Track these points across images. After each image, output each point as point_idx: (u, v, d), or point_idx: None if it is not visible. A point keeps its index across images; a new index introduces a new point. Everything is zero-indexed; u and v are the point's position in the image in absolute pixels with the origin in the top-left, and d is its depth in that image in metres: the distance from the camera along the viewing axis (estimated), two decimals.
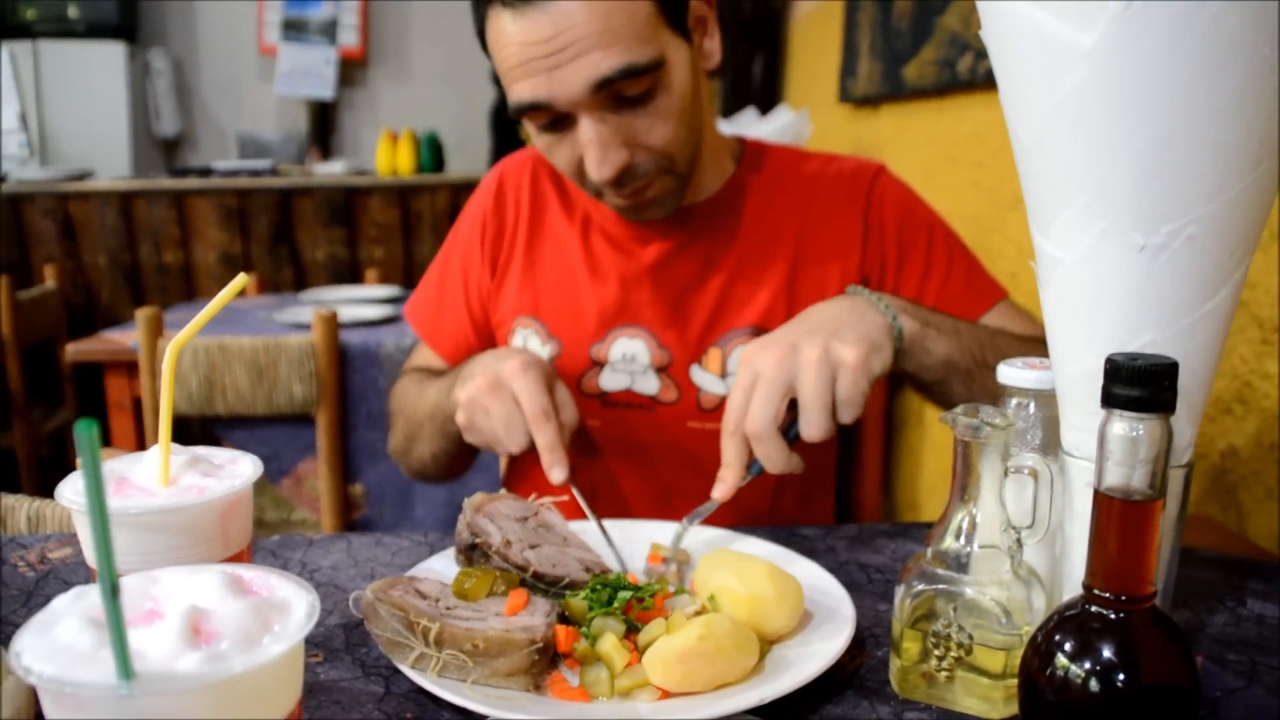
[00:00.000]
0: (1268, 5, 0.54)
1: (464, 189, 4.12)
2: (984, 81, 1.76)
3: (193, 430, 2.40)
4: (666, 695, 0.66)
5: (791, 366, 0.85)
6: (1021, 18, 0.59)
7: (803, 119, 2.81)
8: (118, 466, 0.68)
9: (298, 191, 4.05)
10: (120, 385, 2.33)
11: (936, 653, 0.65)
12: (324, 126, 5.48)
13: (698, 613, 0.73)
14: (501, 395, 0.97)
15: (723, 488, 0.88)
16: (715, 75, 4.15)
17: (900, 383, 1.05)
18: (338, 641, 0.75)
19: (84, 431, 0.34)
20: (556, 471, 0.94)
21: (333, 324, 2.16)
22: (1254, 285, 1.06)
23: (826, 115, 3.01)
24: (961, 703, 0.65)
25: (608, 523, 0.93)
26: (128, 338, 2.33)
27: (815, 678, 0.66)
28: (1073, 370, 0.65)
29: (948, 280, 1.15)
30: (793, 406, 0.87)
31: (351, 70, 5.44)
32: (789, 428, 0.87)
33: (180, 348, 0.65)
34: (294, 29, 5.30)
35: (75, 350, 2.33)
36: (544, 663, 0.68)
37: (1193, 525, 1.04)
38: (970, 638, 0.63)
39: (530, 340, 1.20)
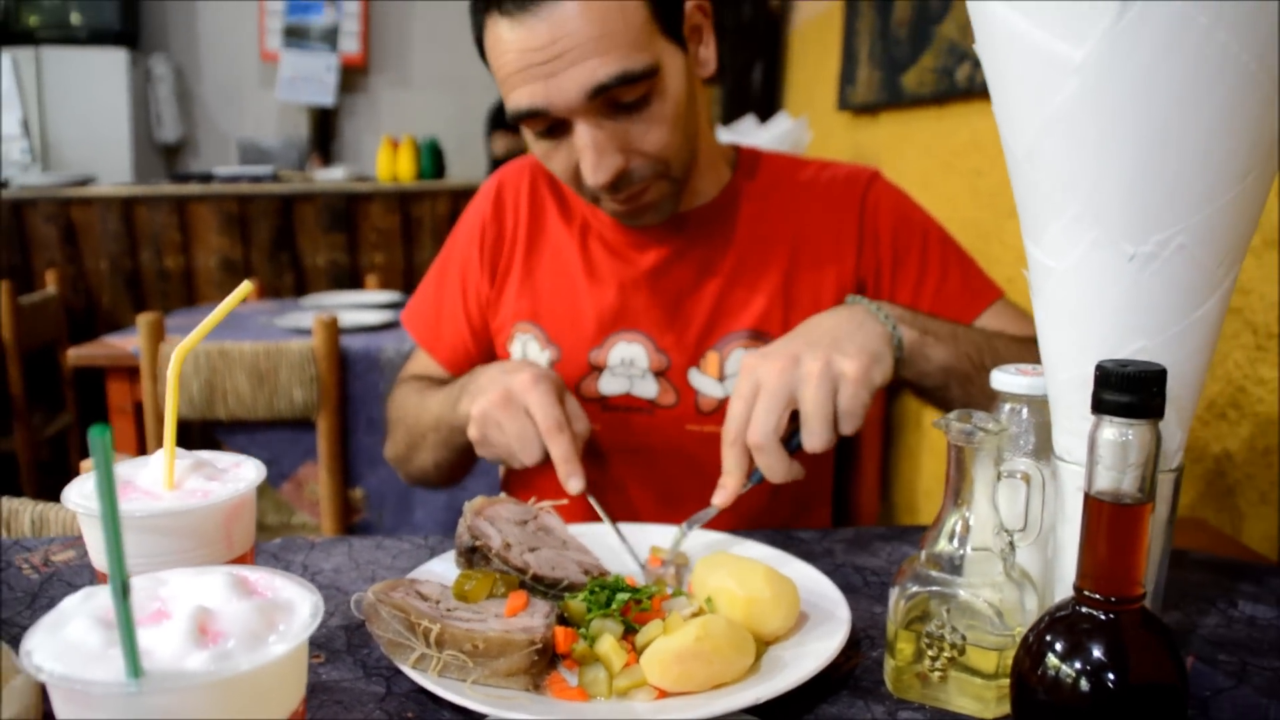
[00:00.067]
0: (1254, 21, 0.55)
1: (464, 195, 4.14)
2: (982, 90, 1.78)
3: (193, 435, 2.41)
4: (664, 695, 0.67)
5: (793, 378, 0.87)
6: (1014, 31, 0.60)
7: (802, 126, 2.83)
8: (122, 470, 0.69)
9: (299, 197, 4.06)
10: (122, 390, 2.34)
11: (930, 653, 0.66)
12: (325, 133, 5.50)
13: (695, 614, 0.73)
14: (514, 410, 0.98)
15: (723, 494, 0.90)
16: (714, 82, 4.17)
17: (899, 387, 1.06)
18: (339, 643, 0.76)
19: (98, 435, 0.35)
20: (574, 482, 0.95)
21: (333, 329, 2.17)
22: (1248, 292, 1.07)
23: (825, 123, 3.03)
24: (955, 702, 0.66)
25: (608, 526, 0.94)
26: (129, 343, 2.34)
27: (811, 678, 0.67)
28: (1064, 376, 0.66)
29: (943, 283, 1.17)
30: (793, 416, 0.88)
31: (352, 77, 5.46)
32: (790, 438, 0.89)
33: (186, 353, 0.66)
34: (295, 35, 5.32)
35: (77, 355, 2.34)
36: (543, 663, 0.69)
37: (1187, 528, 1.05)
38: (963, 638, 0.64)
39: (530, 346, 1.21)
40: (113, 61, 4.87)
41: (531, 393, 0.97)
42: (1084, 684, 0.52)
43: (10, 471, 3.21)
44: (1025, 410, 0.73)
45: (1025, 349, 1.02)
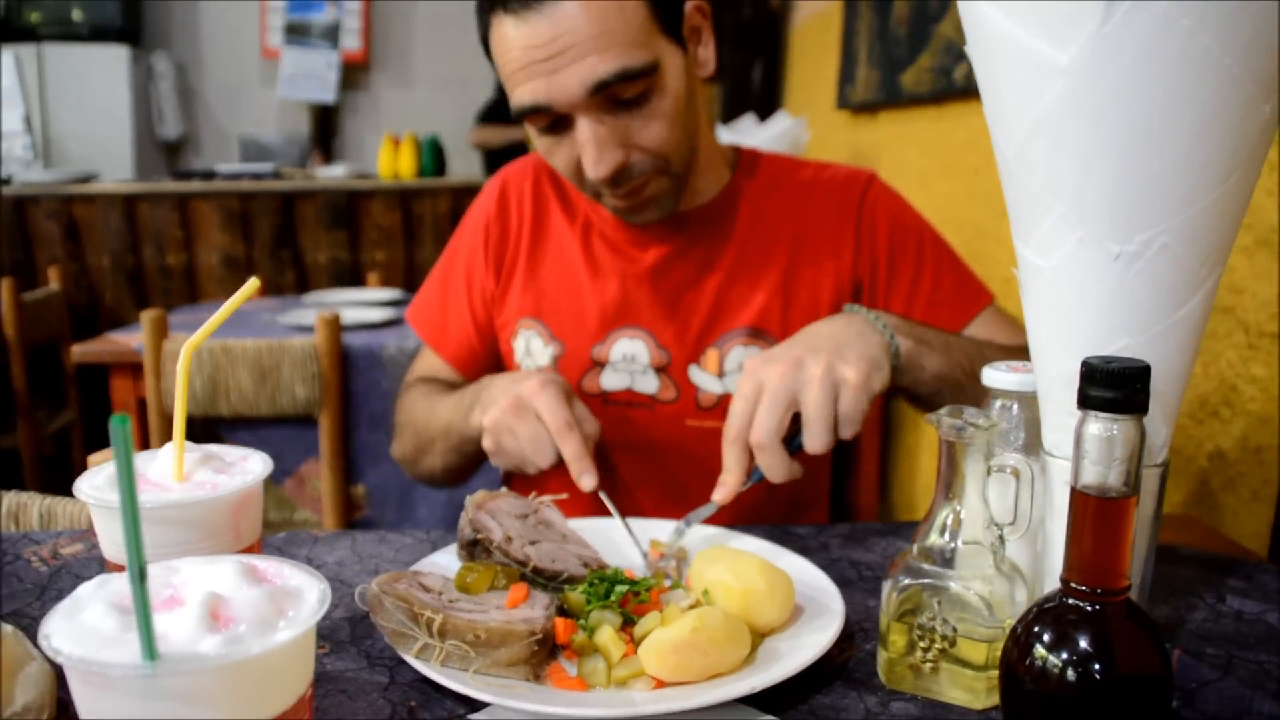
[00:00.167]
0: (1237, 24, 0.56)
1: (465, 193, 4.15)
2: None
3: (196, 431, 2.43)
4: (661, 685, 0.68)
5: (796, 382, 0.89)
6: (1002, 34, 0.61)
7: (801, 125, 2.84)
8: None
9: (300, 195, 4.08)
10: (125, 386, 2.35)
11: (922, 645, 0.67)
12: (326, 130, 5.52)
13: (692, 606, 0.75)
14: (525, 415, 1.00)
15: (723, 491, 0.91)
16: (714, 81, 4.19)
17: (894, 393, 1.08)
18: (344, 634, 0.77)
19: (119, 425, 0.36)
20: (586, 479, 0.97)
21: (335, 326, 2.18)
22: (1240, 291, 1.08)
23: (825, 122, 3.04)
24: (946, 693, 0.67)
25: (610, 521, 0.95)
26: (133, 339, 2.35)
27: (805, 668, 0.68)
28: (1053, 373, 0.67)
29: (937, 286, 1.19)
30: (793, 419, 0.90)
31: (353, 74, 5.48)
32: (790, 439, 0.90)
33: (194, 349, 0.68)
34: (296, 33, 5.33)
35: (81, 351, 2.35)
36: (543, 653, 0.70)
37: (1177, 525, 1.06)
38: (954, 630, 0.66)
39: (533, 342, 1.23)
40: (114, 58, 4.89)
41: (540, 396, 0.99)
42: (1070, 674, 0.53)
43: (13, 468, 3.23)
44: (1015, 406, 0.75)
45: (1014, 358, 1.04)
